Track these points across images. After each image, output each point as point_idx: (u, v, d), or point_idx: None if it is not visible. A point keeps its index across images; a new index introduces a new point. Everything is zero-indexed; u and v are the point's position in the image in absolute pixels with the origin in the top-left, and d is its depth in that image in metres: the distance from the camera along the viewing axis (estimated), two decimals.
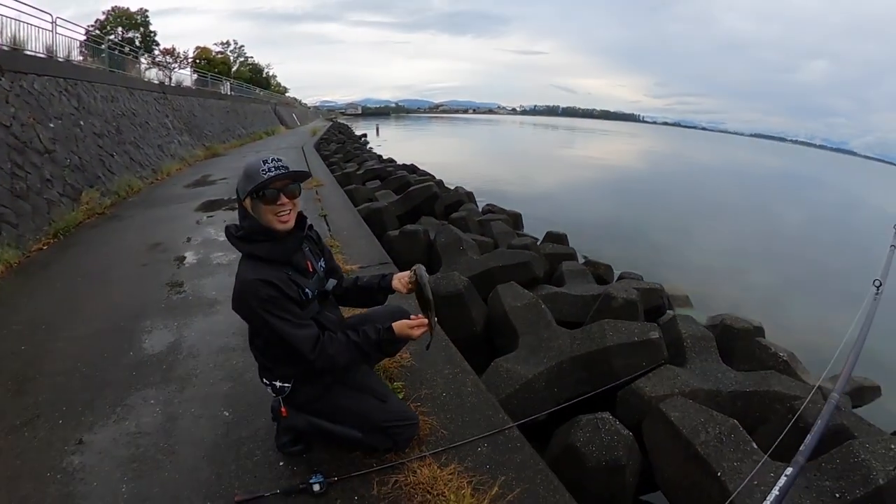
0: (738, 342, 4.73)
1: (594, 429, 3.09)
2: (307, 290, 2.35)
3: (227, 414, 3.16)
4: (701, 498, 2.78)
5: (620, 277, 7.42)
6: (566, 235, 9.01)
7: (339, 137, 29.63)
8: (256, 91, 45.38)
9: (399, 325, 2.41)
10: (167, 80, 21.82)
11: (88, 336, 4.27)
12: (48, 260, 6.28)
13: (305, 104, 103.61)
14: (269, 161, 2.19)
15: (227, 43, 69.31)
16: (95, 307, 4.84)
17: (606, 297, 5.01)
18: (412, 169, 15.88)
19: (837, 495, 2.51)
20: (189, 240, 6.94)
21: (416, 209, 9.30)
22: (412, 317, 2.50)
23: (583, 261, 8.27)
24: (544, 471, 2.56)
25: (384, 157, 20.75)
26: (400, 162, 18.07)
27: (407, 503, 2.33)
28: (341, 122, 65.60)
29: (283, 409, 2.51)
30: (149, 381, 3.56)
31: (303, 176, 2.33)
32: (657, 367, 3.86)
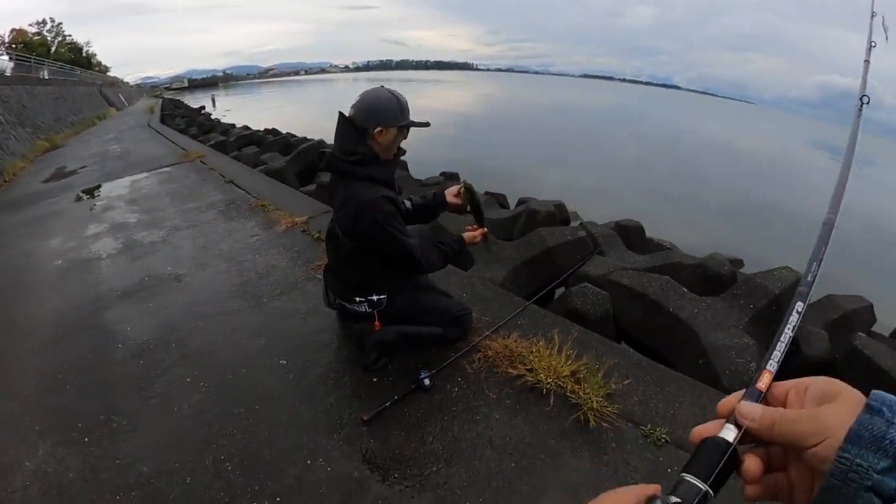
0: (632, 237, 6.17)
1: (583, 295, 3.94)
2: (402, 209, 2.72)
3: (285, 362, 3.11)
4: (661, 331, 3.85)
5: (519, 202, 8.14)
6: (458, 174, 9.82)
7: (180, 112, 27.70)
8: (79, 73, 41.04)
9: (467, 237, 2.91)
10: None
11: (48, 347, 3.65)
12: None
13: (128, 83, 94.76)
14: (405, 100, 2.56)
15: (44, 22, 62.58)
16: (32, 317, 4.14)
17: (531, 212, 6.16)
18: (275, 133, 15.54)
19: (751, 305, 3.81)
20: (93, 228, 6.23)
21: (309, 167, 9.66)
22: (467, 227, 3.00)
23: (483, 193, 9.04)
24: (572, 325, 3.35)
25: (238, 126, 19.76)
26: (254, 129, 17.31)
27: (501, 367, 2.86)
28: (169, 97, 60.84)
29: (377, 324, 2.80)
30: (166, 363, 3.25)
31: (424, 124, 2.67)
32: (590, 257, 4.89)
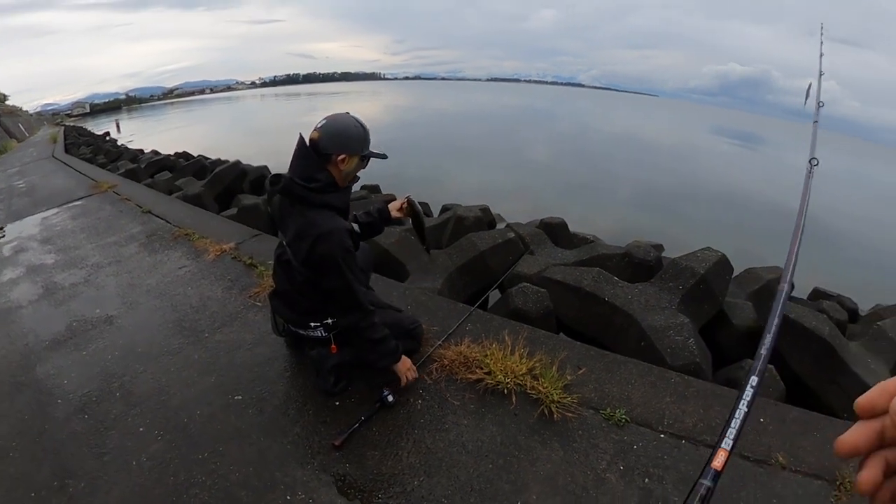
0: (558, 234, 6.38)
1: (524, 294, 4.00)
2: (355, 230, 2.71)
3: (240, 397, 3.03)
4: (599, 318, 3.99)
5: (443, 209, 8.19)
6: (378, 185, 9.88)
7: (85, 140, 26.10)
8: None
9: (392, 210, 3.05)
10: None
11: None
12: None
13: (27, 111, 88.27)
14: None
15: None
16: None
17: (458, 218, 6.26)
18: (187, 156, 15.00)
19: (680, 287, 4.01)
20: (7, 273, 5.71)
21: (228, 189, 9.36)
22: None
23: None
24: (520, 324, 3.48)
25: (147, 152, 18.88)
26: (164, 153, 16.62)
27: (460, 374, 2.95)
28: (71, 124, 57.25)
29: (333, 347, 2.79)
30: (114, 414, 3.06)
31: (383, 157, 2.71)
32: (521, 257, 5.07)
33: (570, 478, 2.30)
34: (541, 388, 2.72)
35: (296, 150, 2.53)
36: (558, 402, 2.63)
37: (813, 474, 2.32)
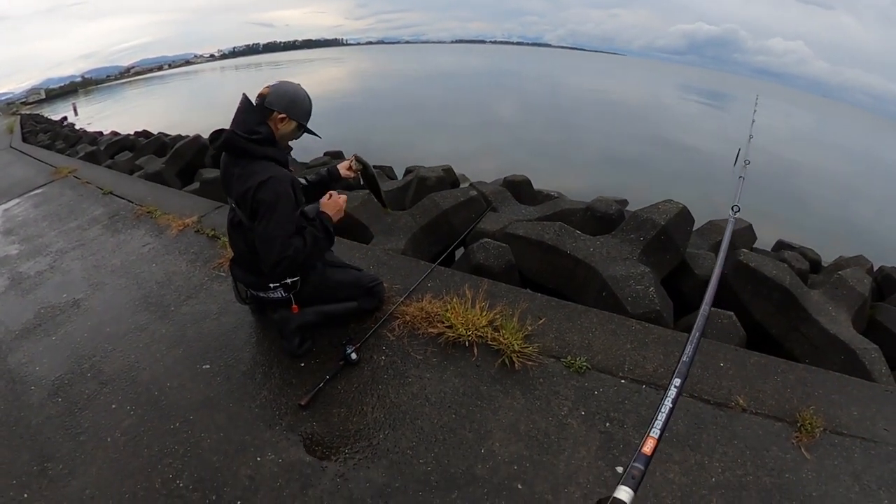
0: (522, 191, 6.30)
1: (485, 250, 4.02)
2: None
3: (208, 366, 3.03)
4: (560, 272, 3.99)
5: (407, 172, 8.13)
6: (342, 151, 9.77)
7: (42, 127, 24.95)
8: None
9: (327, 206, 2.77)
10: None
11: None
12: None
13: None
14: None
15: None
16: None
17: (421, 179, 6.18)
18: (147, 135, 14.42)
19: (641, 238, 4.01)
20: None
21: (189, 164, 9.13)
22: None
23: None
24: (480, 279, 3.46)
25: (106, 133, 18.13)
26: (124, 134, 15.94)
27: (421, 328, 2.95)
28: (27, 112, 54.55)
29: (294, 307, 2.77)
30: (86, 394, 3.02)
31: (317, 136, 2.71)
32: (484, 214, 5.04)
33: (532, 424, 2.34)
34: (501, 339, 2.75)
35: (239, 106, 2.54)
36: (519, 351, 2.66)
37: (773, 416, 2.38)
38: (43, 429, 2.85)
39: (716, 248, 4.58)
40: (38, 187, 8.53)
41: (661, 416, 0.98)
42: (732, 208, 2.71)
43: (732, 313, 3.43)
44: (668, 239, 4.03)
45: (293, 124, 2.55)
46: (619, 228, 4.26)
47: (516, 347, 2.66)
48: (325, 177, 3.04)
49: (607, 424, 2.32)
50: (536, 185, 6.82)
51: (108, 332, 3.58)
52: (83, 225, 5.89)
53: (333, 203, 2.79)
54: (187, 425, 2.60)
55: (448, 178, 6.59)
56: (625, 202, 6.29)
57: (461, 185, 6.82)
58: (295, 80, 2.64)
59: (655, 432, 0.99)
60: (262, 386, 2.76)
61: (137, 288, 4.09)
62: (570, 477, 2.11)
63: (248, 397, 2.69)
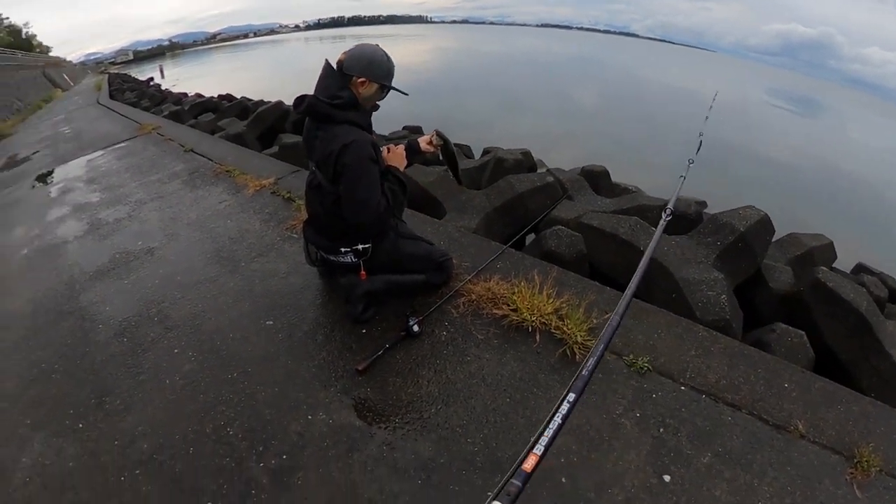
0: (599, 182, 6.27)
1: (557, 237, 3.99)
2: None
3: (272, 323, 3.09)
4: (633, 267, 3.68)
5: (485, 152, 8.08)
6: (420, 127, 9.81)
7: (129, 86, 26.59)
8: (20, 56, 39.21)
9: (392, 160, 2.92)
10: None
11: (27, 339, 3.51)
12: None
13: (71, 62, 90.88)
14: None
15: None
16: (5, 311, 3.98)
17: (498, 160, 6.12)
18: (230, 98, 14.96)
19: (718, 242, 3.91)
20: (56, 212, 5.97)
21: (270, 129, 9.38)
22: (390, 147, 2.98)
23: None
24: (550, 265, 3.38)
25: (190, 95, 19.05)
26: (208, 96, 16.70)
27: (486, 309, 2.93)
28: (115, 72, 58.38)
29: (362, 274, 2.82)
30: (151, 337, 3.18)
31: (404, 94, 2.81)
32: (560, 201, 4.97)
33: (585, 419, 2.25)
34: (565, 328, 2.65)
35: (321, 72, 2.61)
36: (582, 343, 2.56)
37: (830, 447, 2.18)
38: (106, 365, 2.99)
39: (794, 263, 4.44)
40: (122, 141, 9.07)
41: (549, 433, 0.93)
42: (664, 210, 2.70)
43: (804, 333, 3.27)
44: (746, 246, 3.88)
45: (374, 86, 2.58)
46: (696, 230, 4.14)
47: (579, 339, 2.57)
48: (406, 149, 3.06)
49: (661, 430, 2.21)
50: (614, 178, 6.72)
51: (179, 281, 3.73)
52: (163, 179, 6.21)
53: (395, 155, 2.90)
54: (245, 377, 2.65)
55: (526, 162, 6.55)
56: (703, 204, 6.05)
57: (538, 171, 6.72)
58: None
59: (539, 448, 0.95)
60: (321, 347, 2.78)
61: (211, 242, 4.24)
62: (616, 478, 2.01)
63: (306, 356, 2.72)
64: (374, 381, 2.52)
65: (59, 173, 8.00)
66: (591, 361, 0.88)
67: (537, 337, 2.69)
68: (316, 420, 2.34)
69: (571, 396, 0.85)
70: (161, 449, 2.35)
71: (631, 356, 2.57)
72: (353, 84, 2.55)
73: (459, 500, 1.95)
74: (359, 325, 2.89)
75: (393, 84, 2.66)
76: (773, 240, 4.33)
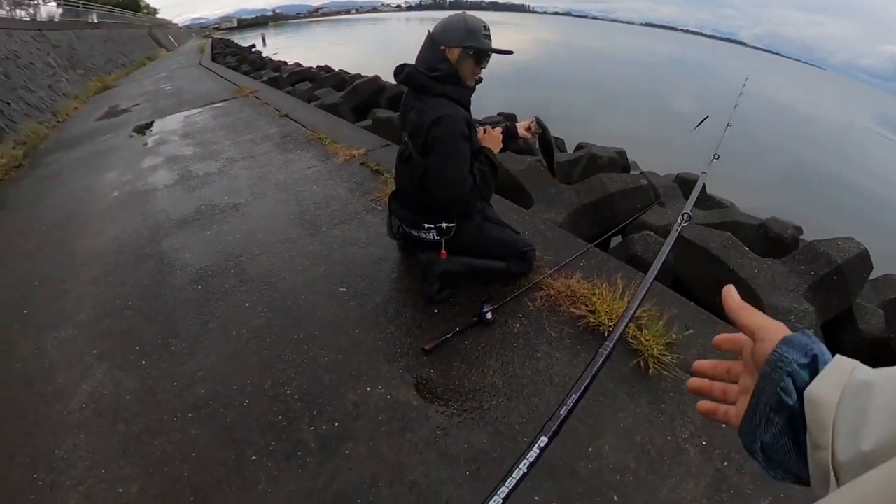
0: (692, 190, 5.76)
1: (645, 243, 3.99)
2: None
3: (345, 290, 3.10)
4: (720, 285, 3.57)
5: (578, 147, 8.00)
6: (515, 115, 9.61)
7: (231, 51, 27.90)
8: (128, 15, 42.47)
9: (487, 141, 2.81)
10: (36, 15, 19.53)
11: (108, 275, 3.75)
12: None
13: (176, 24, 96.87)
14: (486, 28, 2.57)
15: None
16: (92, 249, 4.26)
17: (592, 156, 6.08)
18: (328, 70, 15.31)
19: (812, 272, 3.76)
20: (149, 162, 6.35)
21: (365, 102, 9.59)
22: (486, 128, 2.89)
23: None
24: (635, 271, 3.22)
25: (290, 63, 19.70)
26: (307, 66, 17.19)
27: (563, 306, 2.81)
28: (218, 37, 61.37)
29: (443, 253, 2.79)
30: (225, 288, 3.29)
31: (508, 52, 2.70)
32: (650, 206, 4.83)
33: (648, 438, 2.08)
34: (643, 339, 2.49)
35: (422, 44, 2.62)
36: (657, 357, 2.40)
37: None
38: (177, 309, 3.12)
39: (888, 307, 4.18)
40: (219, 101, 9.47)
41: (511, 482, 0.78)
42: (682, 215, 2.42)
43: None
44: (842, 281, 3.69)
45: (456, 51, 2.53)
46: (791, 256, 3.96)
47: (655, 352, 2.41)
48: (503, 133, 3.00)
49: (725, 463, 2.02)
50: (709, 189, 6.51)
51: (259, 239, 3.84)
52: (256, 140, 6.41)
53: (491, 137, 2.82)
54: (311, 339, 2.68)
55: (619, 162, 6.44)
56: (799, 229, 5.71)
57: (632, 172, 6.63)
58: None
59: (497, 500, 0.82)
60: (391, 321, 2.76)
61: (296, 204, 4.34)
62: None
63: (375, 328, 2.71)
64: (438, 362, 2.47)
65: (157, 126, 8.47)
66: (573, 397, 0.77)
67: None
68: (374, 393, 2.31)
69: (543, 440, 0.74)
70: (217, 396, 2.41)
71: None
72: (448, 56, 2.53)
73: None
74: (432, 305, 2.86)
75: (483, 47, 2.58)
76: (870, 278, 4.18)
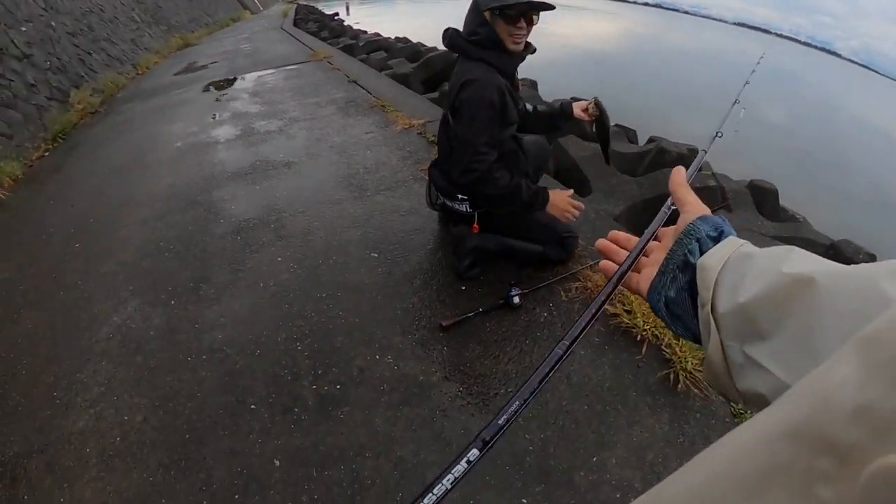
0: (765, 201, 5.82)
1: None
2: (518, 107, 2.56)
3: (376, 255, 3.07)
4: None
5: (649, 140, 7.64)
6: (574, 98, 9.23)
7: (314, 17, 28.21)
8: None
9: (556, 197, 2.54)
10: None
11: (158, 218, 3.91)
12: (58, 163, 5.84)
13: None
14: None
15: None
16: (147, 192, 4.44)
17: (661, 150, 5.80)
18: (405, 41, 15.21)
19: None
20: (216, 116, 6.54)
21: (437, 75, 9.41)
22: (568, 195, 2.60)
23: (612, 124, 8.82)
24: None
25: (370, 33, 19.79)
26: (385, 36, 17.20)
27: None
28: (303, 3, 62.40)
29: (475, 226, 2.67)
30: (262, 241, 3.34)
31: (546, 6, 2.36)
32: (716, 210, 4.33)
33: (661, 458, 1.92)
34: (678, 349, 2.31)
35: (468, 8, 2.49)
36: (690, 372, 2.22)
37: None
38: (214, 256, 3.19)
39: None
40: (293, 64, 9.58)
41: (431, 498, 0.66)
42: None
43: None
44: None
45: (489, 14, 2.35)
46: None
47: (689, 367, 2.22)
48: (557, 110, 2.82)
49: None
50: (783, 201, 6.17)
51: (305, 197, 3.87)
52: (321, 103, 6.46)
53: (563, 200, 2.56)
54: (332, 300, 2.67)
55: (689, 159, 6.10)
56: (872, 257, 5.33)
57: (703, 172, 6.39)
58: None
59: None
60: (415, 292, 2.72)
61: (347, 167, 4.34)
62: None
63: (397, 297, 2.68)
64: (454, 341, 2.40)
65: (229, 83, 8.65)
66: (513, 409, 0.66)
67: (643, 348, 2.38)
68: (382, 361, 2.28)
69: (474, 453, 0.64)
70: (231, 343, 2.45)
71: (740, 405, 2.20)
72: (489, 20, 2.37)
73: (489, 494, 1.78)
74: (460, 281, 2.78)
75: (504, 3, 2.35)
76: None
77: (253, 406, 2.08)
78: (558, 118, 2.81)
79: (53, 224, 4.09)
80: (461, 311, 2.51)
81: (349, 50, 11.98)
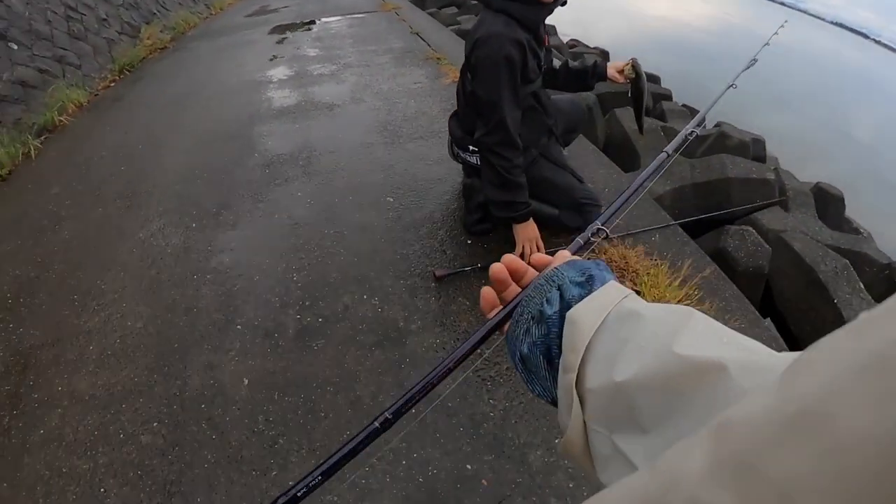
0: (828, 207, 5.35)
1: (741, 238, 3.48)
2: (541, 63, 2.37)
3: (392, 200, 3.11)
4: (815, 320, 3.31)
5: (716, 125, 7.19)
6: (660, 77, 9.13)
7: None
8: None
9: (530, 227, 2.45)
10: None
11: (198, 147, 4.09)
12: (120, 94, 6.08)
13: None
14: None
15: None
16: (195, 124, 4.63)
17: (722, 135, 5.47)
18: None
19: None
20: (275, 58, 6.64)
21: None
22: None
23: (680, 103, 8.46)
24: (709, 263, 2.75)
25: None
26: None
27: None
28: None
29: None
30: (287, 175, 3.44)
31: None
32: (770, 205, 4.21)
33: None
34: None
35: None
36: None
37: None
38: (240, 186, 3.32)
39: None
40: (360, 13, 9.59)
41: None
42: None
43: None
44: None
45: None
46: None
47: None
48: (589, 69, 2.61)
49: None
50: (849, 211, 5.76)
51: (339, 138, 3.94)
52: (378, 51, 6.47)
53: (534, 233, 2.48)
54: (337, 238, 2.75)
55: (753, 149, 5.80)
56: None
57: (765, 165, 6.06)
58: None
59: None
60: (419, 239, 2.74)
61: (386, 113, 4.37)
62: None
63: (400, 242, 2.72)
64: (443, 292, 2.41)
65: (294, 27, 8.73)
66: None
67: None
68: (368, 304, 2.33)
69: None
70: (236, 266, 2.59)
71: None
72: None
73: (434, 451, 1.79)
74: (467, 235, 2.77)
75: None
76: None
77: (239, 326, 2.20)
78: (589, 78, 2.60)
79: (106, 147, 4.31)
80: (458, 264, 2.52)
81: (420, 3, 11.86)
